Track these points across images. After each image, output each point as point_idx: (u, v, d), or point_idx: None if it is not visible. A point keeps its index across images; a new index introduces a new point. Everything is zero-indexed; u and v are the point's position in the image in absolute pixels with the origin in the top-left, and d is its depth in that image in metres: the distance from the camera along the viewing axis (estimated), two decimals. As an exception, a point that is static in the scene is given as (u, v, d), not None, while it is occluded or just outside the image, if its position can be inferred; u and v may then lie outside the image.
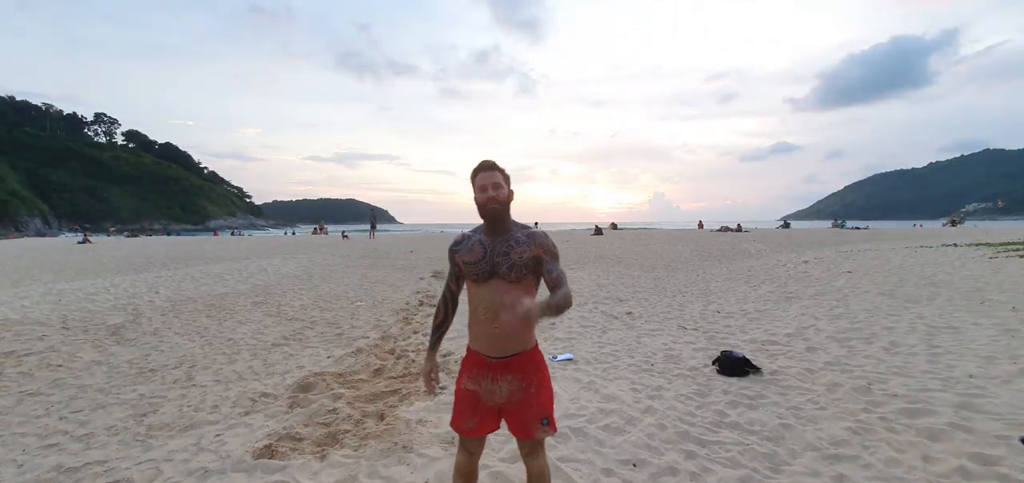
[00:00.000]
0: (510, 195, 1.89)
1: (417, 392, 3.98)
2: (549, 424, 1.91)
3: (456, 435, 2.16)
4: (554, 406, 2.00)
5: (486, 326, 1.85)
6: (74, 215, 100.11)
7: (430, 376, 2.06)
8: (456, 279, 2.01)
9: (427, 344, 1.97)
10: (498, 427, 1.98)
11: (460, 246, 1.94)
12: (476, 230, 1.95)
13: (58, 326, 6.59)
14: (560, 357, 4.87)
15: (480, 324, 1.87)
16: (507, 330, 1.74)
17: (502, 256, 1.83)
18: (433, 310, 7.48)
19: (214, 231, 71.47)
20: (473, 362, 1.94)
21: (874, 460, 2.71)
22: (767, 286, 9.40)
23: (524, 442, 1.95)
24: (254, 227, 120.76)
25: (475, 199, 1.87)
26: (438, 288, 10.08)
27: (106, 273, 13.01)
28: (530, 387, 1.89)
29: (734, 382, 4.06)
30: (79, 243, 29.53)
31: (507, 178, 1.90)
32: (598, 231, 33.97)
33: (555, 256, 1.87)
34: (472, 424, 1.93)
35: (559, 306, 1.70)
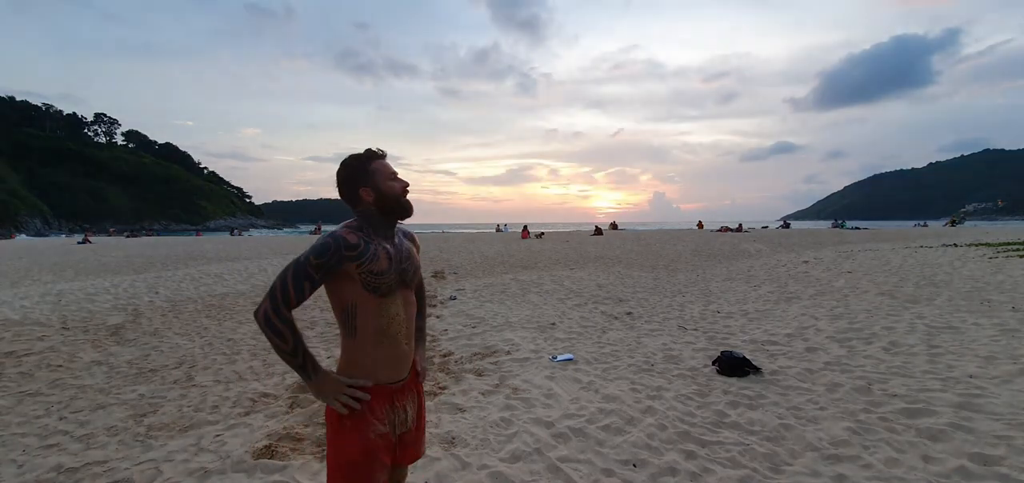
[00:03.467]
0: None
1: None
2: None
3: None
4: None
5: (399, 346, 1.54)
6: (74, 215, 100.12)
7: (345, 389, 1.48)
8: (313, 287, 1.45)
9: (309, 372, 1.46)
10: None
11: (359, 252, 1.45)
12: (359, 230, 1.50)
13: (58, 326, 6.60)
14: (560, 357, 4.87)
15: (388, 345, 1.52)
16: (422, 379, 1.74)
17: (407, 261, 1.59)
18: (433, 310, 7.52)
19: (197, 231, 72.50)
20: (381, 398, 1.52)
21: (874, 460, 2.71)
22: (767, 286, 9.40)
23: (403, 468, 1.71)
24: (253, 227, 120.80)
25: (383, 190, 1.51)
26: (438, 289, 10.06)
27: (106, 273, 13.01)
28: (422, 399, 1.72)
29: (734, 382, 4.06)
30: (79, 243, 29.54)
31: None
32: (598, 231, 33.97)
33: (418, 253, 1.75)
34: (384, 478, 1.53)
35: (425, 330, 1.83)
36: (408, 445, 1.64)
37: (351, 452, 1.46)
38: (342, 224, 1.52)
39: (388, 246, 1.53)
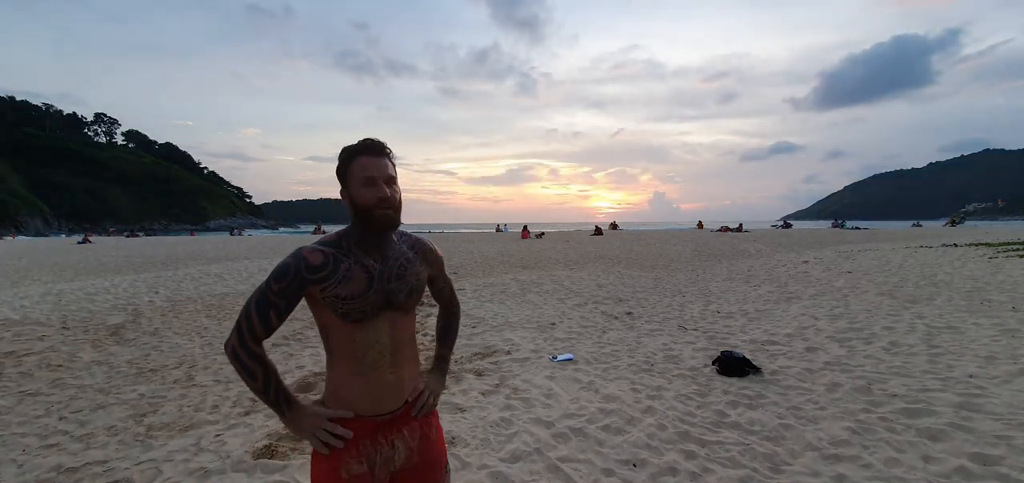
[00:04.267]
0: (401, 198, 1.33)
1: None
2: (449, 471, 1.52)
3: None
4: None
5: (377, 375, 1.32)
6: (74, 215, 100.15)
7: (323, 423, 1.29)
8: (282, 316, 1.26)
9: (283, 408, 1.28)
10: None
11: (324, 273, 1.25)
12: (337, 245, 1.30)
13: (58, 326, 6.60)
14: (560, 357, 4.87)
15: (367, 375, 1.31)
16: (421, 415, 1.43)
17: (397, 281, 1.33)
18: (434, 310, 7.47)
19: (191, 231, 72.81)
20: (360, 432, 1.31)
21: (874, 460, 2.71)
22: (767, 286, 9.40)
23: None
24: (253, 227, 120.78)
25: (355, 196, 1.27)
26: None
27: (106, 273, 13.01)
28: (429, 433, 1.44)
29: (734, 382, 4.06)
30: (79, 243, 29.54)
31: (395, 169, 1.33)
32: (598, 231, 33.98)
33: (443, 267, 1.57)
34: None
35: (453, 348, 1.64)
36: (409, 480, 1.39)
37: None
38: (319, 237, 1.36)
39: (371, 262, 1.30)
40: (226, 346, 1.26)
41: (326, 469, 1.29)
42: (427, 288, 1.52)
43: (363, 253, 1.30)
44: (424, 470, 1.41)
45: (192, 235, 54.68)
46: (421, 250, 1.45)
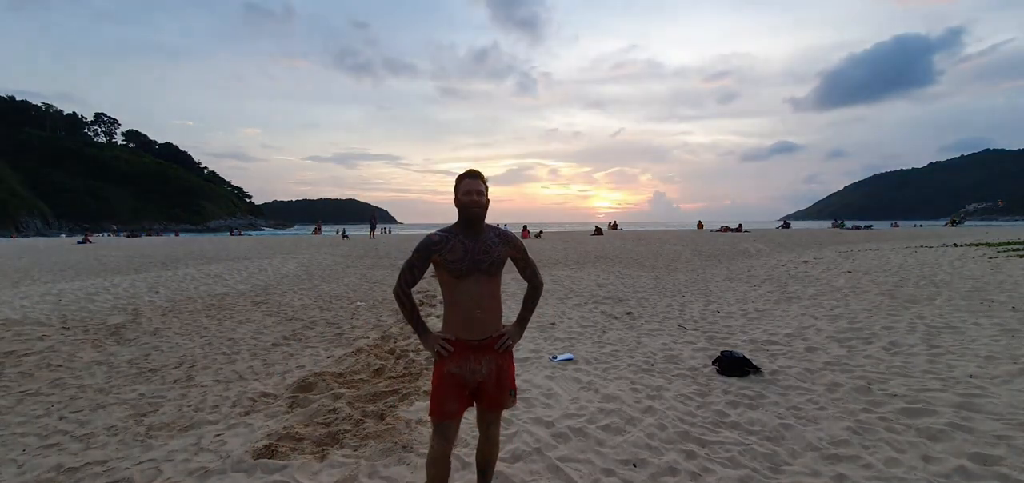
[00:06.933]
0: (488, 202, 2.15)
1: (417, 392, 3.98)
2: (514, 394, 2.26)
3: (436, 435, 2.24)
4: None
5: (469, 313, 2.10)
6: (74, 215, 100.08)
7: (439, 341, 2.14)
8: (421, 272, 2.13)
9: (420, 331, 2.17)
10: (470, 405, 2.22)
11: (440, 246, 2.10)
12: (449, 231, 2.13)
13: (58, 326, 6.60)
14: (560, 357, 4.87)
15: (463, 312, 2.10)
16: (502, 349, 2.19)
17: (483, 255, 2.10)
18: (433, 310, 7.53)
19: (175, 232, 71.47)
20: (459, 349, 2.12)
21: (874, 460, 2.71)
22: (767, 286, 9.40)
23: (491, 413, 2.25)
24: (253, 227, 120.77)
25: (458, 201, 2.11)
26: (438, 288, 10.06)
27: (106, 273, 13.01)
28: (504, 363, 2.20)
29: (734, 382, 4.06)
30: (79, 243, 29.53)
31: (486, 186, 2.16)
32: (598, 231, 33.97)
33: (525, 253, 2.30)
34: (454, 407, 2.12)
35: (532, 312, 2.35)
36: (485, 393, 2.18)
37: (435, 379, 2.15)
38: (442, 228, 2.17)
39: (467, 241, 2.09)
40: (394, 291, 2.16)
41: (439, 369, 2.14)
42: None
43: (463, 236, 2.12)
44: (497, 387, 2.19)
45: (176, 235, 53.98)
46: (504, 238, 2.22)
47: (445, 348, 2.11)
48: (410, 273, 2.13)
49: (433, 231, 2.13)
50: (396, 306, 2.40)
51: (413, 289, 2.16)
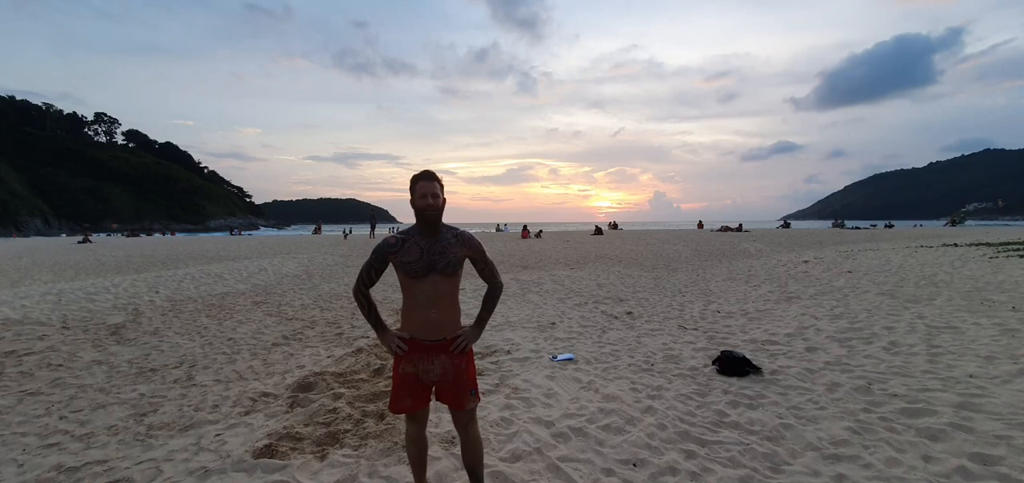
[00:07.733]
0: (444, 202, 2.17)
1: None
2: (475, 394, 2.26)
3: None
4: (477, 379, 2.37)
5: (425, 313, 2.14)
6: (74, 215, 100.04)
7: (395, 340, 2.19)
8: (377, 274, 2.22)
9: (377, 329, 2.24)
10: (430, 400, 2.27)
11: (396, 248, 2.15)
12: (408, 232, 2.19)
13: (58, 326, 6.60)
14: (560, 357, 4.87)
15: (418, 312, 2.15)
16: (457, 351, 2.20)
17: (438, 255, 2.14)
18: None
19: (171, 231, 71.11)
20: (414, 348, 2.18)
21: (874, 460, 2.71)
22: (767, 286, 9.40)
23: (459, 414, 2.26)
24: (253, 227, 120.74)
25: (414, 204, 2.14)
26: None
27: (106, 273, 13.01)
28: (460, 364, 2.22)
29: (734, 382, 4.06)
30: (79, 243, 29.53)
31: (442, 187, 2.17)
32: (598, 231, 33.97)
33: (483, 254, 2.29)
34: (410, 402, 2.20)
35: (491, 313, 2.33)
36: (444, 391, 2.22)
37: (394, 376, 2.24)
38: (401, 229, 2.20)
39: (423, 243, 2.13)
40: (353, 290, 2.26)
41: (396, 366, 2.22)
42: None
43: (420, 237, 2.15)
44: (454, 388, 2.21)
45: (172, 235, 54.25)
46: (462, 239, 2.22)
47: (400, 347, 2.17)
48: (367, 274, 2.20)
49: (390, 234, 2.17)
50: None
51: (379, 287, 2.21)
